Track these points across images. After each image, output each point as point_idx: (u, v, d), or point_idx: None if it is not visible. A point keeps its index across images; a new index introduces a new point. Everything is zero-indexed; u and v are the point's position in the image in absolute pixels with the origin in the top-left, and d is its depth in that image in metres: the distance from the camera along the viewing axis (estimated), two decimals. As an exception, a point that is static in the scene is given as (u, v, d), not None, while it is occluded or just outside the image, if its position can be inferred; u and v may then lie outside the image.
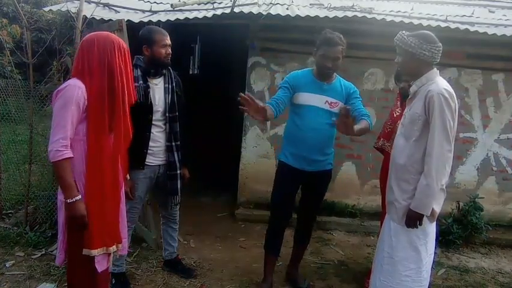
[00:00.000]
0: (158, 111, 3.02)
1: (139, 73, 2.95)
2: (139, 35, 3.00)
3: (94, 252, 2.22)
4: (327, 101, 3.06)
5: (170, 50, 3.00)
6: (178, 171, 3.16)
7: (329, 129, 3.09)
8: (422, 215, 2.39)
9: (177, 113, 3.12)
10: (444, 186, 2.46)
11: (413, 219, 2.42)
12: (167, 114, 3.06)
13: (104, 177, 2.22)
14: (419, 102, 2.41)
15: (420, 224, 2.42)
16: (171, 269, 3.51)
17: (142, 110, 2.90)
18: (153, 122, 3.00)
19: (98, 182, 2.20)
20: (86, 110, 2.13)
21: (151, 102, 2.97)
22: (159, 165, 3.11)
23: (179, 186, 3.19)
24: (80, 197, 2.13)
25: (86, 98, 2.12)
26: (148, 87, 2.96)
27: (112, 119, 2.21)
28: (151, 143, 3.02)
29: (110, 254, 2.35)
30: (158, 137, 3.05)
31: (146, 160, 3.02)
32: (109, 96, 2.17)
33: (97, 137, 2.17)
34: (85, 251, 2.20)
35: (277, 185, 3.33)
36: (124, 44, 2.26)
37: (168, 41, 2.98)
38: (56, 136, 2.07)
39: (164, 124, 3.07)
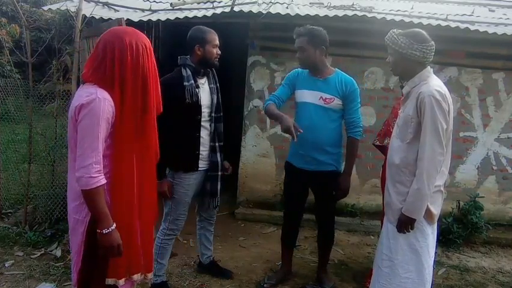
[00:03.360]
0: (204, 112, 2.98)
1: (189, 73, 2.92)
2: (188, 35, 2.96)
3: (121, 282, 2.01)
4: (321, 96, 3.06)
5: (219, 50, 2.97)
6: (219, 173, 3.12)
7: (328, 126, 3.08)
8: (414, 220, 2.36)
9: (221, 114, 3.10)
10: (442, 188, 2.43)
11: (404, 223, 2.39)
12: (213, 115, 3.04)
13: (128, 198, 1.97)
14: (412, 104, 2.36)
15: (412, 228, 2.39)
16: (207, 271, 3.51)
17: (191, 111, 2.90)
18: (201, 123, 2.97)
19: (124, 203, 1.96)
20: (113, 124, 1.87)
21: (200, 102, 2.93)
22: (206, 169, 3.08)
23: (219, 188, 3.15)
24: (115, 225, 1.89)
25: (114, 112, 1.86)
26: (198, 87, 2.93)
27: (142, 134, 1.97)
28: (200, 146, 2.98)
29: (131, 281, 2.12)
30: (205, 140, 3.02)
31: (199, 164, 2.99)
32: (142, 109, 1.93)
33: (123, 153, 1.93)
34: (111, 281, 2.00)
35: (284, 184, 3.43)
36: (151, 45, 2.00)
37: (218, 41, 2.96)
38: (88, 160, 1.80)
39: (210, 125, 3.04)
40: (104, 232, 1.86)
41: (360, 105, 3.16)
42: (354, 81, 3.12)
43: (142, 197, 2.04)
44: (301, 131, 2.82)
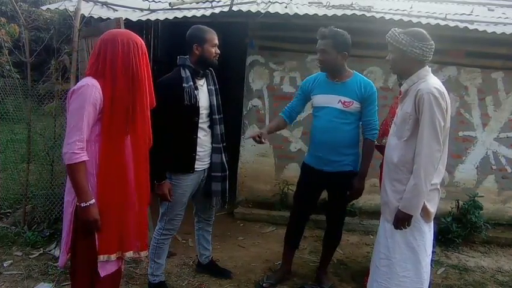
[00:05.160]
0: (202, 114, 2.95)
1: (188, 74, 2.88)
2: (187, 34, 2.93)
3: (112, 257, 2.19)
4: (340, 100, 3.07)
5: (218, 50, 2.95)
6: (221, 173, 3.09)
7: (345, 129, 3.09)
8: (411, 216, 2.38)
9: (222, 115, 3.08)
10: (438, 186, 2.44)
11: (401, 220, 2.40)
12: (213, 116, 3.01)
13: (117, 181, 2.15)
14: (410, 101, 2.39)
15: (409, 225, 2.40)
16: (206, 271, 3.50)
17: (190, 113, 2.87)
18: (199, 125, 2.94)
19: (111, 186, 2.14)
20: (102, 111, 2.07)
21: (198, 104, 2.91)
22: (204, 169, 3.07)
23: (221, 188, 3.13)
24: (93, 201, 2.08)
25: (102, 99, 2.06)
26: (196, 88, 2.90)
27: (131, 123, 2.15)
28: (197, 148, 2.95)
29: (121, 259, 2.30)
30: (203, 140, 2.99)
31: (195, 165, 2.97)
32: (132, 101, 2.12)
33: (112, 140, 2.11)
34: (103, 257, 2.17)
35: (298, 183, 3.43)
36: (144, 44, 2.20)
37: (217, 41, 2.94)
38: (73, 138, 2.01)
39: (209, 127, 3.03)
40: (82, 205, 2.05)
41: (377, 107, 3.16)
42: (373, 84, 3.13)
43: (136, 179, 2.23)
44: (264, 141, 3.10)
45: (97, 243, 2.15)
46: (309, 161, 3.29)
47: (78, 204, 2.06)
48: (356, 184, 3.15)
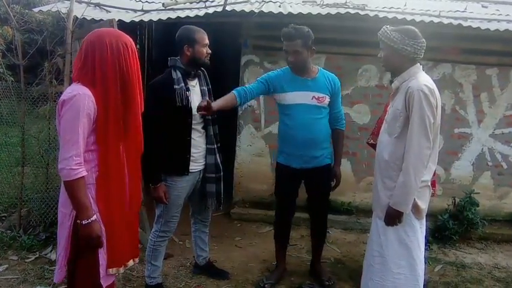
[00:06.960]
0: (195, 115, 2.91)
1: (179, 75, 2.86)
2: (176, 35, 2.90)
3: (121, 270, 2.18)
4: (314, 96, 3.10)
5: (209, 49, 2.93)
6: (215, 175, 3.07)
7: (321, 123, 3.15)
8: (401, 213, 2.39)
9: (216, 115, 3.04)
10: (429, 183, 2.46)
11: (391, 217, 2.42)
12: (206, 117, 2.98)
13: (118, 190, 2.07)
14: (400, 99, 2.41)
15: (400, 222, 2.41)
16: (204, 272, 3.49)
17: (182, 114, 2.85)
18: (192, 126, 2.92)
19: (113, 195, 2.06)
20: (96, 120, 1.95)
21: (190, 105, 2.88)
22: (199, 170, 3.05)
23: (215, 190, 3.11)
24: (95, 217, 1.97)
25: (96, 107, 1.93)
26: (188, 89, 2.88)
27: (125, 129, 2.05)
28: (192, 149, 2.93)
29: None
30: (198, 142, 2.97)
31: (190, 167, 2.94)
32: (123, 105, 2.01)
33: (108, 148, 2.01)
34: (111, 271, 2.11)
35: (278, 185, 3.40)
36: (133, 44, 2.08)
37: (207, 40, 2.92)
38: (69, 153, 1.88)
39: (203, 128, 3.00)
40: (84, 223, 1.93)
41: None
42: (337, 77, 3.27)
43: (129, 187, 2.15)
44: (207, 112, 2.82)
45: (102, 258, 2.06)
46: (286, 161, 3.24)
47: (79, 221, 1.94)
48: (338, 173, 3.33)
